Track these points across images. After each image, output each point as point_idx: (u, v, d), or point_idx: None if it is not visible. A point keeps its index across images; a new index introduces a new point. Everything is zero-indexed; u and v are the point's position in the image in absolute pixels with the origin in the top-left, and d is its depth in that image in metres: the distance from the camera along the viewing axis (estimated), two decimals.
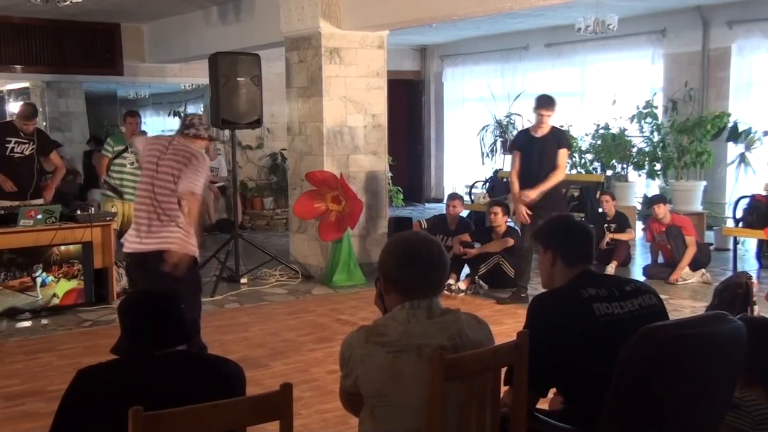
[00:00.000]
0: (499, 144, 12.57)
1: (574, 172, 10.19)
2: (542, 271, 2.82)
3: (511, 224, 7.79)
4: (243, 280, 7.66)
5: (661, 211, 7.73)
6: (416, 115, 14.99)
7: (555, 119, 6.73)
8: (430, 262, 2.33)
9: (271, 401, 2.05)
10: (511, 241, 7.30)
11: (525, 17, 10.56)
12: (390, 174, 9.68)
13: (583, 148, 10.61)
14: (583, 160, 10.62)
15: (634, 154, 10.08)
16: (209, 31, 9.95)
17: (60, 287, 6.43)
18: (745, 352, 2.39)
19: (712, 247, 8.49)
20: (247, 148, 12.03)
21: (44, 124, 11.52)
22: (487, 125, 12.76)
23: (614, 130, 10.24)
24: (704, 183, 9.71)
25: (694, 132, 9.45)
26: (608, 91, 11.06)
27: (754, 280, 4.06)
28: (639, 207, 10.03)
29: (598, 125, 10.42)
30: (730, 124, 9.64)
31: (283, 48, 8.17)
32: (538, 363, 2.39)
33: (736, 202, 8.69)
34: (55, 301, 6.43)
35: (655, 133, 9.94)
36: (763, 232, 7.63)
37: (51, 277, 6.39)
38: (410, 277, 2.32)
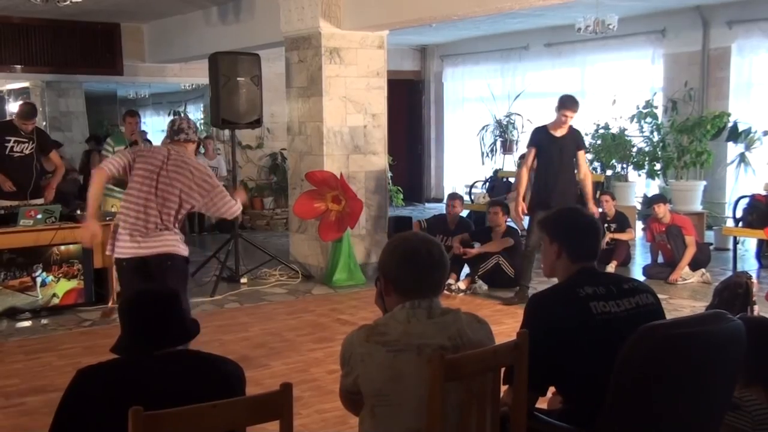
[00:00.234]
0: (499, 144, 12.58)
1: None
2: (545, 261, 2.80)
3: (511, 224, 7.79)
4: (243, 280, 7.65)
5: (661, 210, 7.73)
6: (416, 115, 14.98)
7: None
8: (430, 263, 2.33)
9: (271, 401, 2.05)
10: (510, 241, 7.30)
11: (525, 17, 10.56)
12: (390, 174, 9.67)
13: None
14: None
15: (634, 153, 10.07)
16: (209, 31, 9.95)
17: (60, 287, 6.43)
18: (744, 351, 2.39)
19: (711, 247, 8.48)
20: (247, 147, 12.05)
21: (44, 123, 11.53)
22: (487, 125, 12.75)
23: (614, 130, 10.23)
24: (704, 183, 9.70)
25: (694, 132, 9.44)
26: (608, 91, 11.06)
27: (754, 280, 4.04)
28: (639, 207, 10.03)
29: (598, 125, 10.40)
30: (729, 124, 9.64)
31: (283, 48, 8.17)
32: (536, 361, 2.39)
33: (736, 202, 8.69)
34: (55, 300, 6.43)
35: (655, 133, 9.94)
36: (763, 232, 7.63)
37: (51, 277, 6.39)
38: (410, 278, 2.32)
